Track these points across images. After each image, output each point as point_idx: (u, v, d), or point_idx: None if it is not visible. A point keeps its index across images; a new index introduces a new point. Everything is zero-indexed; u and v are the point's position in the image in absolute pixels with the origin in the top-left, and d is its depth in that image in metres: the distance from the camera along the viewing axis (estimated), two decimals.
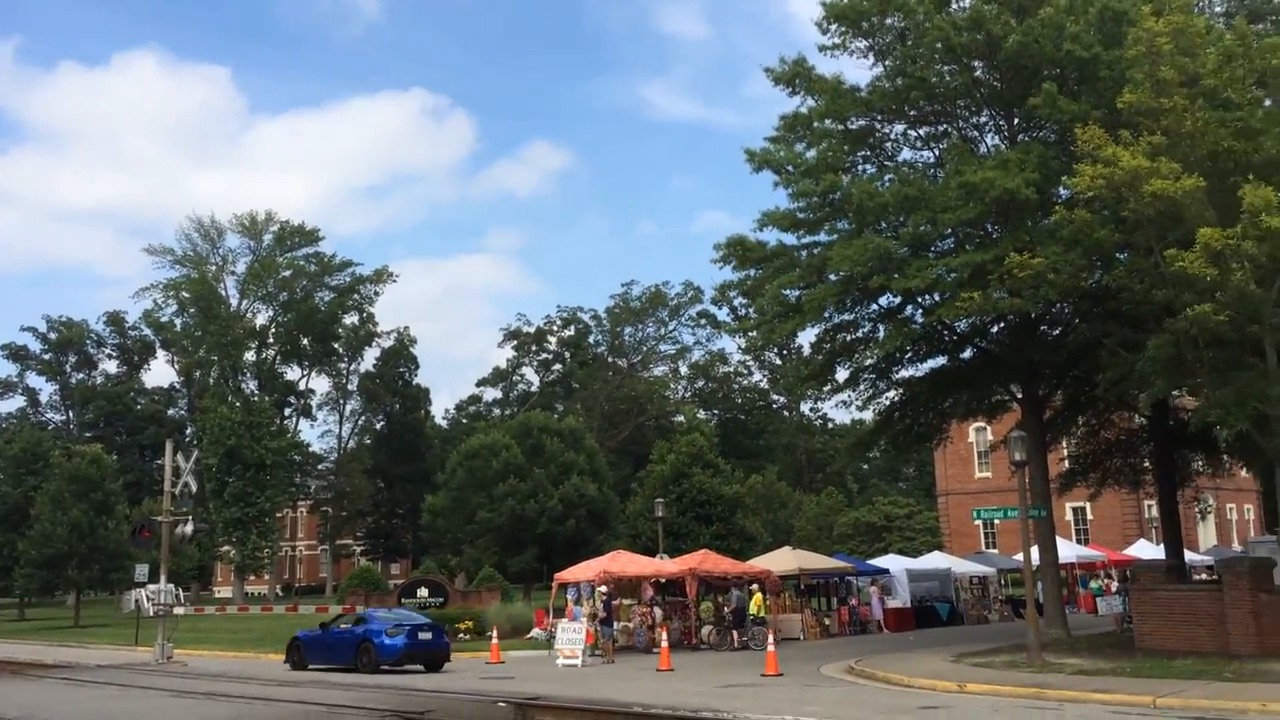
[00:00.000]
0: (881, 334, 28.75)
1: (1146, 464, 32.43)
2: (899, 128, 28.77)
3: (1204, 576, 36.47)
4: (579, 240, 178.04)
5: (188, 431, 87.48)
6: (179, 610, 36.60)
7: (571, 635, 26.27)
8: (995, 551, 55.17)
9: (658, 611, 31.03)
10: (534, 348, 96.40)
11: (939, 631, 35.00)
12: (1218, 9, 28.01)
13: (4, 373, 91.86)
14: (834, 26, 27.26)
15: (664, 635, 26.04)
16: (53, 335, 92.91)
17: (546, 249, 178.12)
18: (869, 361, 29.79)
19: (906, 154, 29.29)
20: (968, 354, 30.22)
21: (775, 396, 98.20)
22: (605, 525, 56.98)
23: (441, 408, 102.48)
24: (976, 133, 28.46)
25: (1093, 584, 43.69)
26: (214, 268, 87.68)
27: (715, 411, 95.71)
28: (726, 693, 18.46)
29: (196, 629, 43.95)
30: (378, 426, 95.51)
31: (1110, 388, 25.14)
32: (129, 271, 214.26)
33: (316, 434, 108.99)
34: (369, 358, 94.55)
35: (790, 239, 28.77)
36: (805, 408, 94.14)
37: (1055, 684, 17.96)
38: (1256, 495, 64.31)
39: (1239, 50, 20.68)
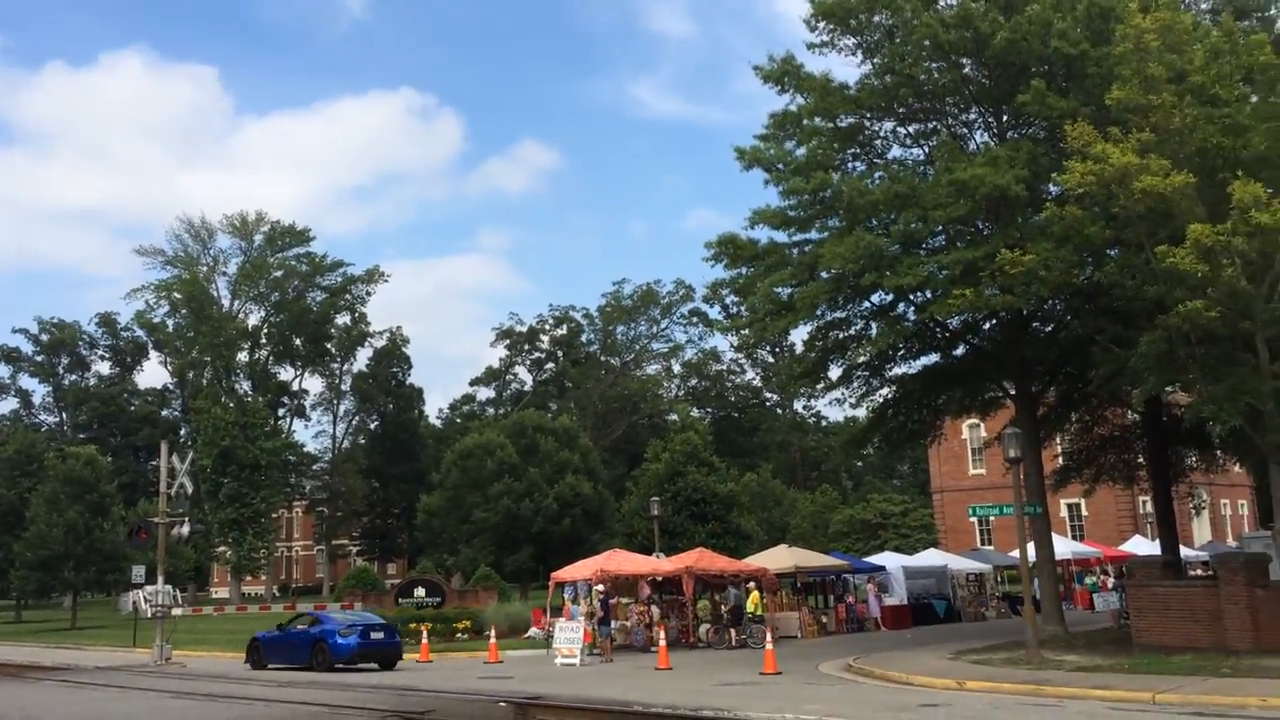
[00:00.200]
0: (874, 331, 28.81)
1: (1140, 460, 32.57)
2: (888, 125, 28.87)
3: (1199, 572, 36.70)
4: (569, 239, 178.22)
5: (182, 432, 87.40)
6: (177, 611, 36.62)
7: (569, 634, 26.36)
8: (991, 548, 55.42)
9: (655, 610, 31.16)
10: (526, 347, 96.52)
11: (936, 629, 35.17)
12: (1204, 6, 28.05)
13: None
14: (822, 24, 27.34)
15: (661, 634, 26.14)
16: (44, 337, 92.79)
17: (537, 248, 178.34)
18: (862, 359, 29.83)
19: (896, 151, 29.42)
20: (960, 351, 30.37)
21: (768, 394, 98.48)
22: (601, 524, 57.08)
23: (435, 407, 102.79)
24: (966, 130, 28.57)
25: (1089, 580, 43.96)
26: (205, 268, 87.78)
27: (709, 410, 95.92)
28: (726, 691, 18.56)
29: (195, 630, 43.94)
30: (372, 426, 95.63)
31: (1103, 384, 25.28)
32: (120, 272, 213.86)
33: (311, 434, 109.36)
34: (361, 358, 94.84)
35: (781, 237, 28.88)
36: (799, 405, 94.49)
37: (1054, 681, 18.04)
38: (1250, 490, 64.74)
39: (1225, 47, 20.81)
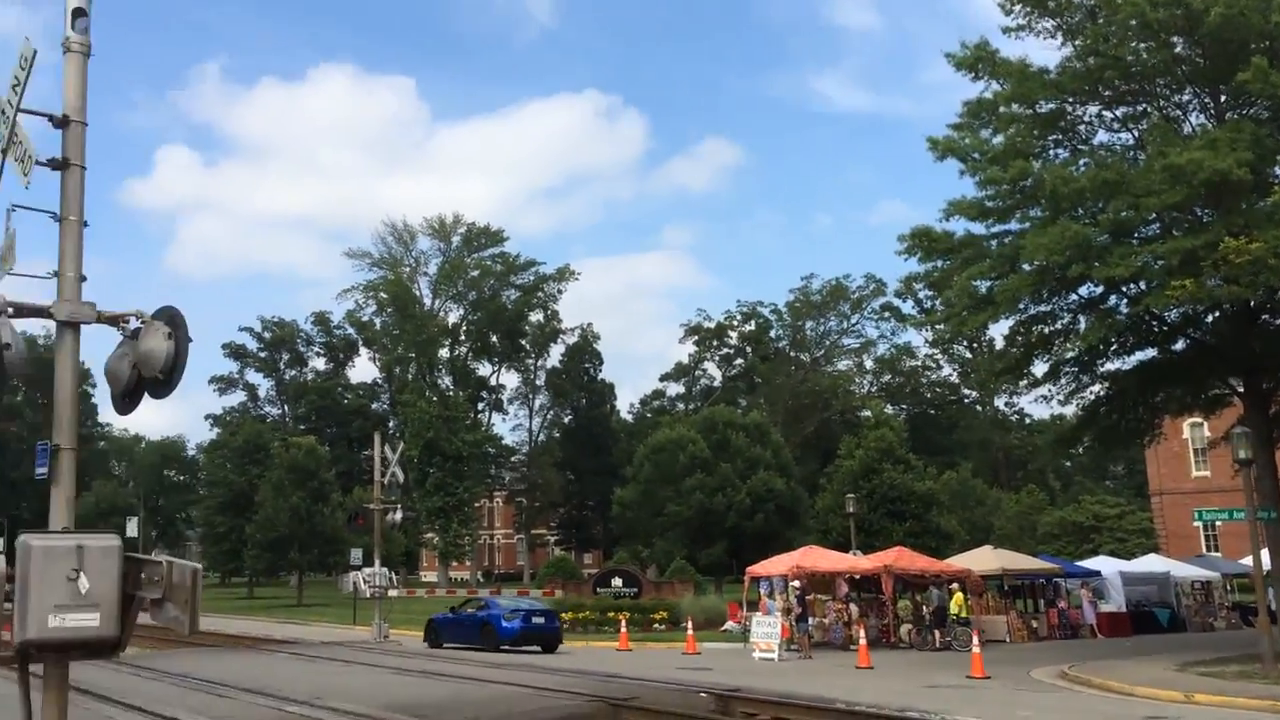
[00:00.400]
0: (1082, 325, 27.51)
1: None
2: (1093, 109, 27.39)
3: None
4: (754, 235, 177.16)
5: (390, 425, 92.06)
6: (392, 593, 38.72)
7: (767, 629, 26.36)
8: (1219, 555, 51.80)
9: (853, 608, 30.77)
10: (715, 343, 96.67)
11: (1159, 638, 33.20)
12: None
13: (227, 369, 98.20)
14: (1018, 7, 26.25)
15: (861, 632, 25.79)
16: (267, 335, 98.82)
17: (722, 244, 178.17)
18: (1070, 354, 28.54)
19: (1102, 136, 27.84)
20: (1180, 345, 28.52)
21: (966, 391, 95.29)
22: (794, 520, 56.71)
23: (625, 402, 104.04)
24: (1179, 112, 26.76)
25: None
26: (408, 269, 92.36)
27: (903, 406, 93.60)
28: (931, 693, 18.17)
29: (409, 610, 46.20)
30: (565, 420, 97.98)
31: None
32: (330, 273, 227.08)
33: (508, 427, 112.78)
34: (554, 354, 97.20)
35: (979, 228, 27.87)
36: (1000, 402, 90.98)
37: None
38: None
39: None
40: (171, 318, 6.19)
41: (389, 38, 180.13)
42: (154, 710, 15.07)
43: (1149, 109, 26.85)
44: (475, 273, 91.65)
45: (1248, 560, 28.12)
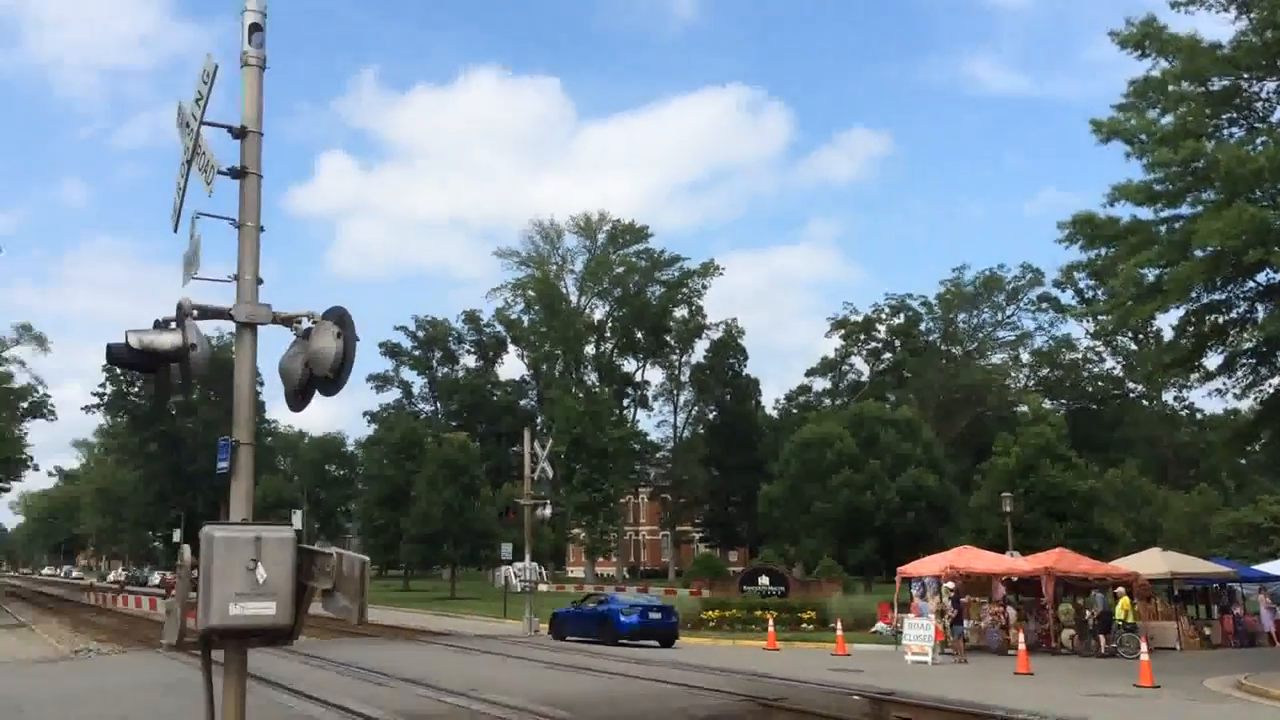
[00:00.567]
0: (1261, 314, 26.03)
1: None
2: (1270, 85, 25.78)
3: None
4: (902, 226, 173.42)
5: (538, 421, 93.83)
6: (542, 587, 39.44)
7: (920, 631, 25.70)
8: None
9: (1011, 611, 29.72)
10: (862, 336, 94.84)
11: None
12: None
13: (382, 367, 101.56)
14: None
15: (1020, 636, 24.86)
16: (420, 333, 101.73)
17: (868, 236, 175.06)
18: (1246, 345, 27.00)
19: None
20: None
21: (1131, 385, 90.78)
22: (946, 519, 55.23)
23: (770, 398, 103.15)
24: None
25: None
26: (555, 267, 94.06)
27: (1062, 401, 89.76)
28: (1096, 702, 17.35)
29: (557, 605, 46.99)
30: (710, 416, 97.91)
31: None
32: (479, 273, 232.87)
33: (653, 424, 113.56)
34: (699, 349, 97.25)
35: (1146, 213, 26.63)
36: (1168, 397, 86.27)
37: None
38: None
39: None
40: (340, 318, 6.40)
41: (535, 39, 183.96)
42: (321, 697, 15.70)
43: None
44: (620, 269, 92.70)
45: None
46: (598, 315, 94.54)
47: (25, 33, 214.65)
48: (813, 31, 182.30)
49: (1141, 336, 78.12)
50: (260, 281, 6.34)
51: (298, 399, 6.71)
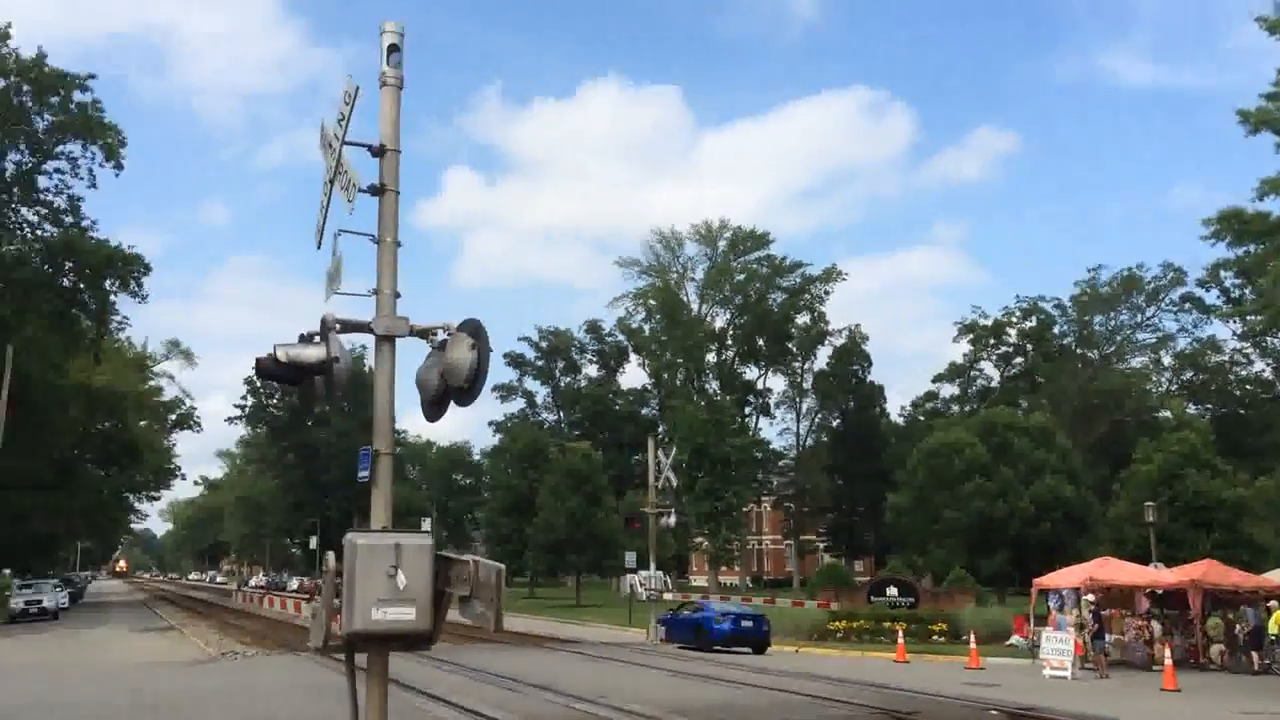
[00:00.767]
0: None
1: None
2: None
3: None
4: (1032, 226, 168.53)
5: (660, 430, 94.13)
6: (667, 596, 39.53)
7: (1058, 645, 24.80)
8: None
9: (1155, 625, 28.44)
10: (991, 341, 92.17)
11: None
12: None
13: (507, 378, 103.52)
14: None
15: (1167, 652, 23.77)
16: (544, 343, 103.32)
17: (995, 237, 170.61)
18: None
19: None
20: None
21: None
22: (1084, 529, 53.15)
23: (895, 404, 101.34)
24: None
25: None
26: (675, 275, 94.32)
27: (1207, 406, 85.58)
28: None
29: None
30: (834, 424, 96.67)
31: None
32: (600, 282, 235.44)
33: (775, 432, 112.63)
34: (821, 356, 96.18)
35: None
36: None
37: None
38: None
39: None
40: (475, 330, 6.53)
41: (654, 49, 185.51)
42: (455, 702, 16.04)
43: None
44: (741, 276, 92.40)
45: None
46: (719, 323, 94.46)
47: (172, 62, 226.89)
48: (937, 30, 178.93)
49: None
50: (398, 295, 6.52)
51: (434, 409, 6.86)
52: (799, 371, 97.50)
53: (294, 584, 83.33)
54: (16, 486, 48.68)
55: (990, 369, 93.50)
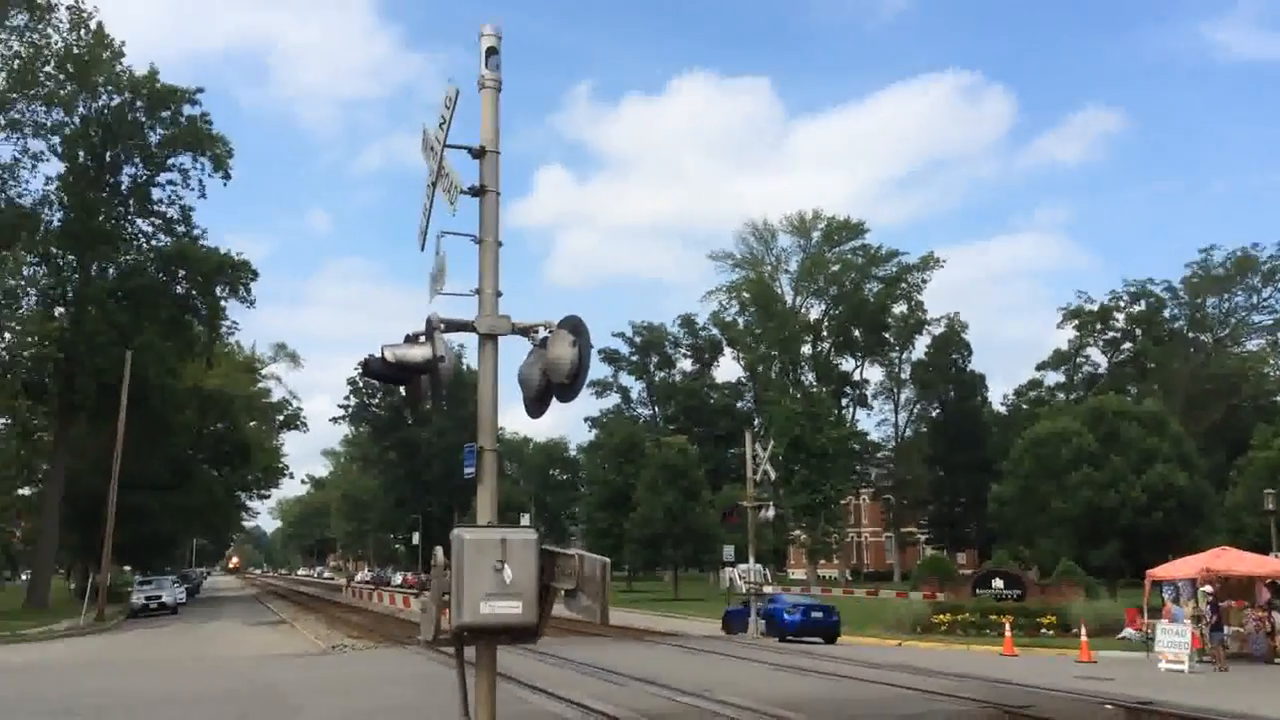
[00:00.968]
0: None
1: None
2: None
3: None
4: (1138, 208, 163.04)
5: (755, 423, 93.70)
6: (767, 589, 39.34)
7: (1174, 638, 23.97)
8: None
9: (1276, 616, 27.27)
10: (1098, 326, 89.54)
11: None
12: None
13: (601, 374, 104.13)
14: None
15: None
16: (637, 339, 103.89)
17: (1100, 220, 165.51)
18: None
19: None
20: None
21: None
22: (1199, 518, 51.26)
23: (997, 393, 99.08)
24: None
25: None
26: (769, 268, 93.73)
27: None
28: None
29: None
30: (933, 414, 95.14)
31: None
32: (692, 276, 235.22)
33: (873, 423, 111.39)
34: (919, 345, 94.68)
35: None
36: None
37: None
38: None
39: None
40: (575, 326, 6.61)
41: (743, 41, 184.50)
42: (560, 694, 16.23)
43: None
44: (836, 267, 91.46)
45: None
46: (814, 314, 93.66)
47: (272, 72, 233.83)
48: (1034, 8, 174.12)
49: None
50: (499, 294, 6.62)
51: (536, 405, 6.95)
52: (896, 362, 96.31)
53: (397, 579, 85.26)
54: (137, 486, 50.81)
55: (1097, 355, 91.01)
